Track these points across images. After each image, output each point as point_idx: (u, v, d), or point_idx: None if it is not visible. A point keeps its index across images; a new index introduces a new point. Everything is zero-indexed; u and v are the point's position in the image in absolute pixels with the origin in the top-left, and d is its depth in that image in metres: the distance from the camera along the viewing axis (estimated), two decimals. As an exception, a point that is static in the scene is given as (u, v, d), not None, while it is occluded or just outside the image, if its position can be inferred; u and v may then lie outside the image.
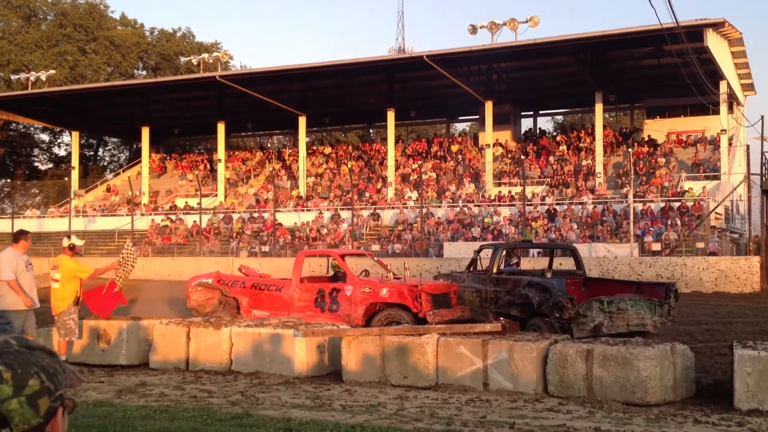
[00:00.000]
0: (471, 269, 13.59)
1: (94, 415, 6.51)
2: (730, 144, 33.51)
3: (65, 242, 10.27)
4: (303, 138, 41.35)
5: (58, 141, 61.06)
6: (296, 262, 12.91)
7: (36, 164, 60.66)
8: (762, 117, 28.97)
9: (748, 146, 30.82)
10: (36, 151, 60.78)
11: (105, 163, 63.09)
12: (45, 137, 60.26)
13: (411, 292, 11.42)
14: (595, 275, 25.15)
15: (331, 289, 12.20)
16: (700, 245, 26.44)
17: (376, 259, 14.55)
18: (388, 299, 11.66)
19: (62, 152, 60.54)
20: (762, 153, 28.01)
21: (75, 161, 46.80)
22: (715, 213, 28.95)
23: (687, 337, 11.99)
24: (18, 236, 9.59)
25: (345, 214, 34.47)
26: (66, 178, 45.70)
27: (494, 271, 12.35)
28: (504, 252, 13.74)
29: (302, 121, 40.34)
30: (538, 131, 43.84)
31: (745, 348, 7.50)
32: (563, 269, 14.34)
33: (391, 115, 37.99)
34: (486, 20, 35.15)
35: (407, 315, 11.35)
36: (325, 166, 42.69)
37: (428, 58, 32.99)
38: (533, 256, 24.23)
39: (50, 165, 60.38)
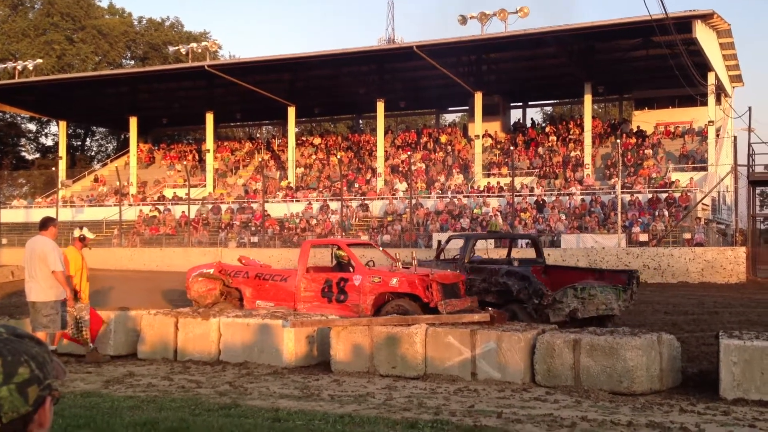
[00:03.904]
0: (438, 258, 13.91)
1: (82, 405, 6.50)
2: (717, 135, 33.68)
3: (76, 233, 9.90)
4: (292, 128, 41.24)
5: (46, 131, 60.67)
6: (302, 252, 12.51)
7: (23, 154, 60.21)
8: (750, 108, 29.20)
9: (735, 137, 31.02)
10: (23, 140, 60.32)
11: (92, 153, 62.74)
12: (32, 127, 59.83)
13: (422, 282, 11.11)
14: (583, 265, 25.56)
15: (338, 279, 11.81)
16: (687, 236, 26.60)
17: (381, 249, 14.23)
18: (398, 289, 11.33)
19: (49, 142, 60.19)
20: (749, 144, 28.19)
21: (62, 151, 46.51)
22: (702, 204, 29.12)
23: (673, 327, 12.09)
24: (47, 223, 9.11)
25: (334, 205, 34.44)
26: (53, 168, 45.35)
27: (467, 260, 12.80)
28: (475, 242, 14.16)
29: (291, 111, 40.21)
30: (527, 122, 43.92)
31: (731, 338, 7.57)
32: (525, 258, 14.91)
33: (380, 106, 37.94)
34: (476, 11, 35.13)
35: (417, 305, 11.05)
36: (314, 156, 42.60)
37: (418, 49, 32.93)
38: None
39: (37, 155, 59.96)
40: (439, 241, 14.65)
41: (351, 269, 12.07)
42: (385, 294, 11.46)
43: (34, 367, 1.40)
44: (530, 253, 15.50)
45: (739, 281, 23.71)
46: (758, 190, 29.96)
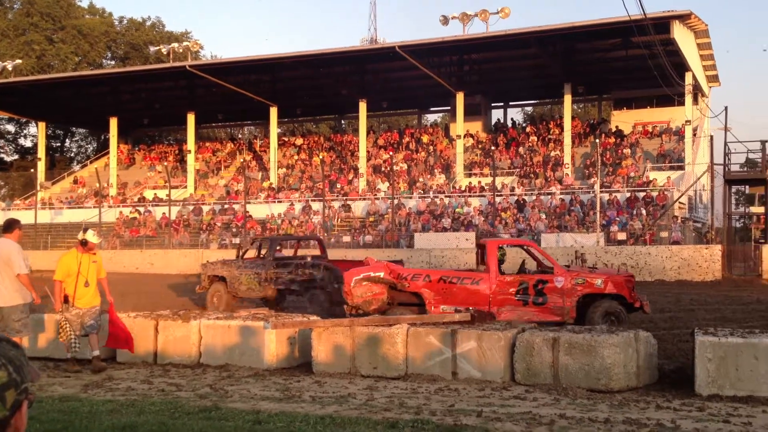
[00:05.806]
0: (241, 257, 16.34)
1: (60, 409, 6.46)
2: (694, 135, 34.02)
3: (79, 235, 9.50)
4: (274, 129, 41.13)
5: (24, 132, 60.05)
6: (490, 253, 11.94)
7: (1, 155, 59.55)
8: (726, 108, 29.52)
9: (711, 137, 31.38)
10: (1, 141, 59.65)
11: (72, 155, 62.16)
12: (11, 128, 59.19)
13: (628, 282, 11.15)
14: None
15: (535, 281, 11.60)
16: (664, 234, 26.86)
17: (537, 249, 13.41)
18: (604, 290, 11.30)
19: (28, 143, 59.58)
20: (725, 143, 28.51)
21: (41, 152, 46.06)
22: (679, 203, 29.42)
23: (650, 325, 12.21)
24: (12, 225, 8.89)
25: (316, 206, 34.41)
26: (32, 170, 44.94)
27: (272, 257, 15.52)
28: (278, 243, 17.12)
29: (273, 111, 40.12)
30: (508, 122, 44.11)
31: (706, 334, 7.69)
32: (314, 255, 17.42)
33: (362, 106, 37.95)
34: (458, 11, 35.23)
35: (622, 306, 11.16)
36: (296, 157, 42.53)
37: (400, 49, 32.98)
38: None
39: (16, 156, 59.31)
40: (248, 243, 18.32)
41: (526, 270, 12.23)
42: (587, 295, 11.45)
43: (11, 370, 1.41)
44: (316, 251, 18.14)
45: (715, 279, 23.95)
46: (734, 188, 30.27)
